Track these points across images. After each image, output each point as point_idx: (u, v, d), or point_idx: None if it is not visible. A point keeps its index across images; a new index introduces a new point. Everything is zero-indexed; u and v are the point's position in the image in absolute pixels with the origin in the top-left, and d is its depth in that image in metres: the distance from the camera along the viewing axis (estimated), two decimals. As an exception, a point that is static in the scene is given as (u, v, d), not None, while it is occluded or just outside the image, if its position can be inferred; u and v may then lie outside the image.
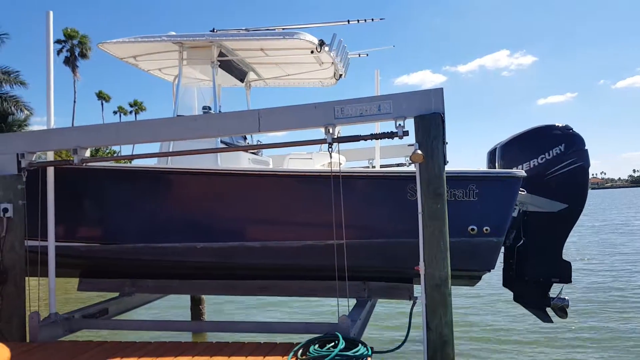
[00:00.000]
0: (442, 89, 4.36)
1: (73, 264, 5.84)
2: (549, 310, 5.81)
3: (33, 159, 5.10)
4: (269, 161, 7.06)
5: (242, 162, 6.08)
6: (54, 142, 5.10)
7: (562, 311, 5.71)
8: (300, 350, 4.09)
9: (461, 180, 5.07)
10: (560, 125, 5.71)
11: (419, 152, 4.20)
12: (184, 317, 9.55)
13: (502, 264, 5.98)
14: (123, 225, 5.54)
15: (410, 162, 4.36)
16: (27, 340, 5.00)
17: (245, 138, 6.92)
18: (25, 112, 26.98)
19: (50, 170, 5.21)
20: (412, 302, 5.30)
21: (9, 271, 4.99)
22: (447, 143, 4.40)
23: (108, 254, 5.59)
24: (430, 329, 4.22)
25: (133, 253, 5.51)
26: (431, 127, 4.28)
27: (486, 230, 5.09)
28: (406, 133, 4.41)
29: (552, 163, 5.59)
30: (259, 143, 7.10)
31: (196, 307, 9.18)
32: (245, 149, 6.20)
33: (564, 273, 5.66)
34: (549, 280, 5.70)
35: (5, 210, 4.96)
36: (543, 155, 5.61)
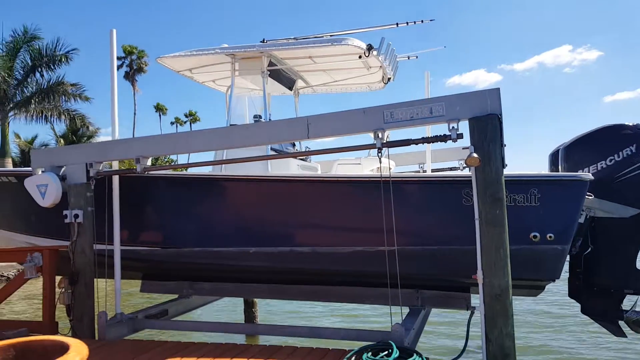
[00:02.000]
0: (498, 89, 4.19)
1: (136, 267, 6.17)
2: (622, 323, 5.39)
3: (100, 168, 5.43)
4: (318, 167, 7.12)
5: (292, 168, 6.17)
6: (118, 152, 5.38)
7: (637, 325, 5.27)
8: (353, 358, 4.06)
9: (521, 184, 4.85)
10: (630, 124, 5.30)
11: (475, 155, 4.05)
12: (237, 319, 9.81)
13: (567, 273, 5.64)
14: (181, 230, 5.78)
15: (466, 165, 4.22)
16: (96, 338, 5.33)
17: (294, 145, 7.02)
18: (90, 128, 29.08)
19: (116, 179, 5.55)
20: (469, 312, 5.11)
21: (80, 273, 5.33)
22: (505, 145, 4.22)
23: (168, 257, 5.84)
24: (490, 341, 4.05)
25: (191, 256, 5.73)
26: (488, 129, 4.12)
27: (550, 237, 4.84)
28: (460, 136, 4.26)
29: (622, 165, 5.20)
30: (307, 149, 7.17)
31: (249, 309, 9.41)
32: (294, 155, 6.28)
33: (639, 284, 5.23)
34: (621, 291, 5.29)
35: (76, 216, 5.30)
36: (612, 157, 5.24)
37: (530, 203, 4.82)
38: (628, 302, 5.35)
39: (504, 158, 4.13)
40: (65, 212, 5.29)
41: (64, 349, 2.09)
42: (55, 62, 24.19)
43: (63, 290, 5.36)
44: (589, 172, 5.23)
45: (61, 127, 31.86)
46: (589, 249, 5.40)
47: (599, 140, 5.43)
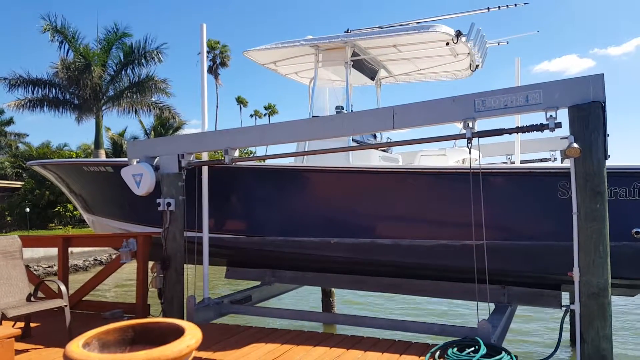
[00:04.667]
0: (602, 74, 3.90)
1: (222, 254, 6.45)
2: None
3: (191, 159, 5.69)
4: (399, 158, 6.97)
5: (373, 159, 6.10)
6: (208, 143, 5.58)
7: None
8: (438, 352, 4.02)
9: (624, 176, 4.57)
10: None
11: (575, 145, 3.84)
12: (311, 307, 9.94)
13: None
14: (265, 220, 5.95)
15: (565, 156, 3.95)
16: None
17: (375, 136, 6.92)
18: (177, 119, 30.89)
19: (205, 169, 5.80)
20: (563, 311, 4.80)
21: (171, 258, 5.63)
22: (608, 135, 3.94)
23: (252, 245, 6.05)
24: (585, 342, 3.87)
25: (273, 245, 5.88)
26: (590, 117, 3.88)
27: None
28: (559, 125, 4.03)
29: None
30: (389, 140, 7.04)
31: (327, 299, 9.52)
32: (378, 146, 6.19)
33: None
34: None
35: (169, 204, 5.59)
36: None
37: (634, 197, 4.56)
38: None
39: (607, 149, 3.91)
40: (158, 200, 5.60)
41: (179, 331, 2.20)
42: (147, 58, 25.93)
43: (155, 274, 5.67)
44: None
45: (149, 120, 34.30)
46: None
47: None
